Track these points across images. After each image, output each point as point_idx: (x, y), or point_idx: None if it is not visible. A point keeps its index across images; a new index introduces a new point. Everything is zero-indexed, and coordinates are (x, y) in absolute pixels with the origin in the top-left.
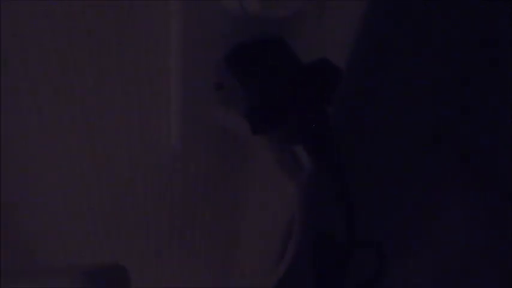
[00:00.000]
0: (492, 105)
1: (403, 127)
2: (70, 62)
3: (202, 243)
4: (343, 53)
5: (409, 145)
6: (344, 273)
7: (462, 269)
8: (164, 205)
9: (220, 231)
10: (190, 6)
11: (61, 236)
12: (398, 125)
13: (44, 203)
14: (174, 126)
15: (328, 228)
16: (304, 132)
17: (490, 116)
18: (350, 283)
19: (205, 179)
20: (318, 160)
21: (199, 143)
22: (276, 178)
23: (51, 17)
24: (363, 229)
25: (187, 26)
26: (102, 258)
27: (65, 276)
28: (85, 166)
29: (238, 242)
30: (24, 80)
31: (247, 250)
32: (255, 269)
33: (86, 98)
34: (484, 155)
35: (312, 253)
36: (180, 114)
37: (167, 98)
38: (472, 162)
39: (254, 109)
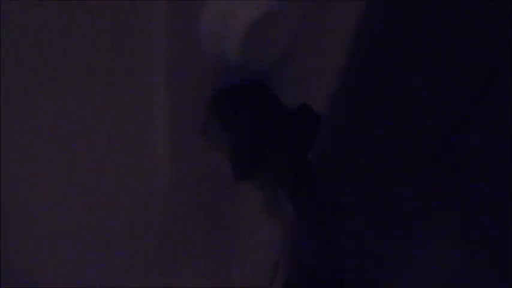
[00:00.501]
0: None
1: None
2: (61, 101)
3: (194, 272)
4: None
5: (396, 171)
6: None
7: None
8: (155, 237)
9: (211, 260)
10: (175, 56)
11: (52, 260)
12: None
13: (35, 224)
14: (162, 164)
15: (314, 263)
16: (284, 178)
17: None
18: None
19: (195, 213)
20: (297, 203)
21: (187, 180)
22: (264, 216)
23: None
24: (347, 258)
25: (173, 73)
26: (93, 284)
27: None
28: (78, 205)
29: (229, 272)
30: (22, 106)
31: (239, 280)
32: None
33: (76, 137)
34: (474, 185)
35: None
36: (167, 153)
37: (155, 138)
38: (462, 192)
39: (236, 157)
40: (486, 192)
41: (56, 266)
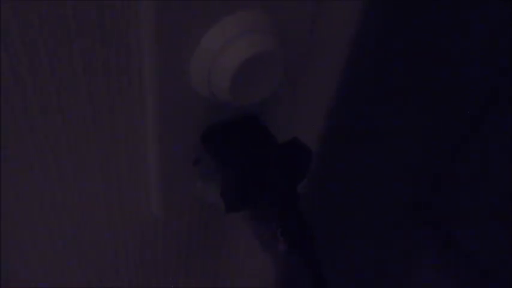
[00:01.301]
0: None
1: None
2: (50, 136)
3: None
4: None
5: (377, 217)
6: None
7: None
8: (145, 273)
9: None
10: (167, 92)
11: None
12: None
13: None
14: (154, 195)
15: None
16: (275, 211)
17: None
18: None
19: (186, 247)
20: (288, 240)
21: (180, 212)
22: (257, 248)
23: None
24: None
25: (165, 109)
26: None
27: None
28: (64, 240)
29: None
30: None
31: None
32: None
33: (64, 170)
34: (455, 233)
35: None
36: (159, 185)
37: (146, 169)
38: (442, 241)
39: (227, 189)
40: (466, 242)
41: None
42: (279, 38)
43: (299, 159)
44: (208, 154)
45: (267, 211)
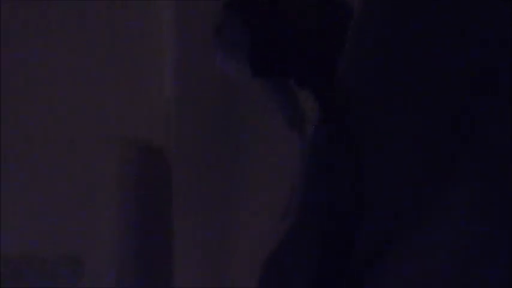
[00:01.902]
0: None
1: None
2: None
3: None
4: None
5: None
6: (350, 245)
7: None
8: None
9: (216, 191)
10: None
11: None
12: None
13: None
14: (168, 77)
15: (333, 195)
16: (309, 78)
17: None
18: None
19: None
20: (323, 107)
21: (194, 95)
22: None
23: None
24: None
25: None
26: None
27: None
28: (77, 124)
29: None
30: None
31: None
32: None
33: (76, 57)
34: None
35: (315, 224)
36: (174, 65)
37: (161, 50)
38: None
39: (255, 50)
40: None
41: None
42: None
43: (336, 19)
44: (231, 20)
45: (300, 77)
